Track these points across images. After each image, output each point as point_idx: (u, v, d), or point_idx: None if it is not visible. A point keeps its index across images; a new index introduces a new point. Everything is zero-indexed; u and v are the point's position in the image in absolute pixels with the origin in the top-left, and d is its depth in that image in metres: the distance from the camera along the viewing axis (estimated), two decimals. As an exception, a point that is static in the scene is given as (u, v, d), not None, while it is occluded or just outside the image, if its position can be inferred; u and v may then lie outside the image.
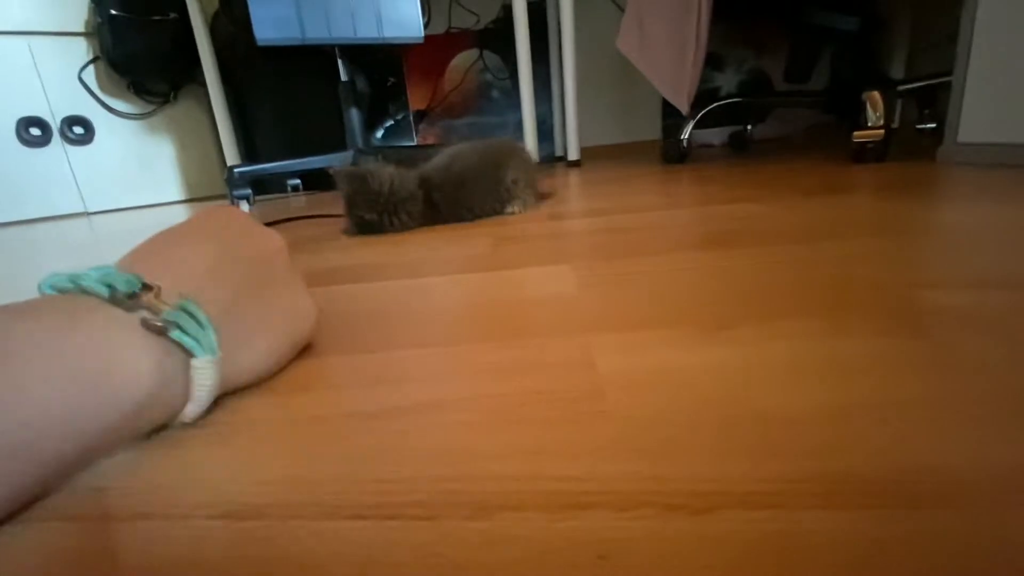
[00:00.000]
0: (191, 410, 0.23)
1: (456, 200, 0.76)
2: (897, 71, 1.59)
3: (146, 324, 0.21)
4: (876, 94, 0.92)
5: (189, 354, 0.22)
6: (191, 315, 0.22)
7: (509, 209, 0.79)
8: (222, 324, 0.24)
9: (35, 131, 1.76)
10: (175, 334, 0.21)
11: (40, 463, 0.18)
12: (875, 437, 0.18)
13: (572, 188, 1.07)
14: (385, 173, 0.72)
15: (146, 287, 0.22)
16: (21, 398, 0.17)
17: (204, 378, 0.22)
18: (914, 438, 0.18)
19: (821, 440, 0.18)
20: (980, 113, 0.81)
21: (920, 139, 1.25)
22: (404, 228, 0.74)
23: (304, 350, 0.31)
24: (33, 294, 0.21)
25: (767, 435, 0.19)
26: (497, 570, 0.14)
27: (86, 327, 0.19)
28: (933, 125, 1.29)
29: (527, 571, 0.14)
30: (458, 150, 0.80)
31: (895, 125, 1.58)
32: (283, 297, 0.29)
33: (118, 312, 0.20)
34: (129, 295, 0.21)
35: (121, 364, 0.20)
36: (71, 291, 0.21)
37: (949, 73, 0.86)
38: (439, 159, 0.79)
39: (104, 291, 0.20)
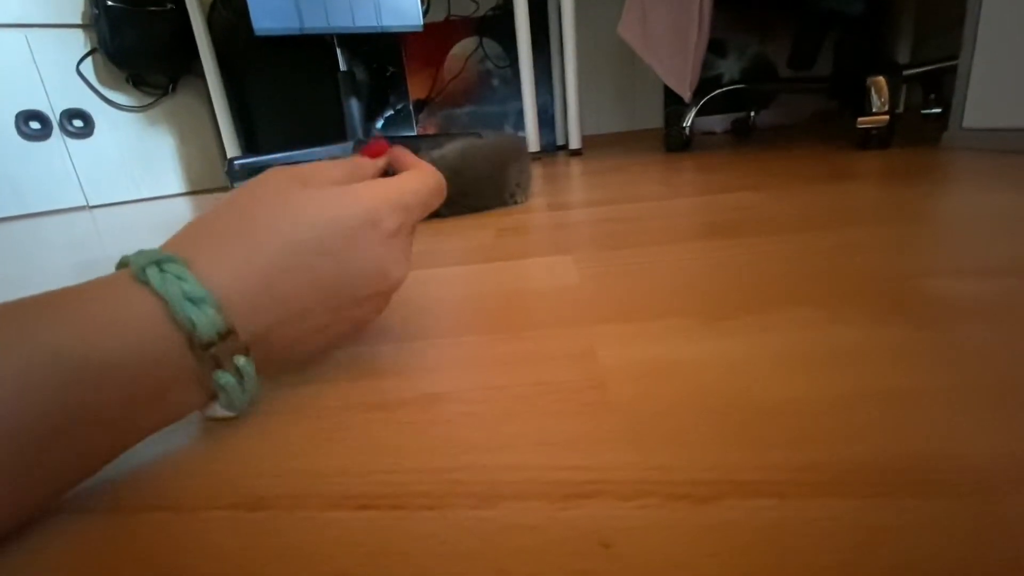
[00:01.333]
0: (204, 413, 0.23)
1: (460, 203, 0.76)
2: (903, 56, 1.57)
3: (201, 383, 0.21)
4: (881, 80, 0.91)
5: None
6: (242, 383, 0.21)
7: (511, 201, 0.79)
8: (277, 356, 0.24)
9: (35, 125, 1.75)
10: (220, 396, 0.21)
11: (60, 480, 0.18)
12: (879, 426, 0.18)
13: (573, 177, 1.07)
14: None
15: (226, 334, 0.20)
16: (64, 434, 0.17)
17: (216, 417, 0.23)
18: (918, 427, 0.18)
19: (824, 429, 0.18)
20: (986, 98, 0.81)
21: (925, 125, 1.23)
22: None
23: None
24: (36, 288, 0.20)
25: (769, 424, 0.19)
26: (502, 558, 0.14)
27: (152, 368, 0.19)
28: (938, 110, 1.28)
29: (532, 559, 0.14)
30: (463, 151, 0.78)
31: (900, 111, 1.57)
32: (352, 328, 0.27)
33: (185, 352, 0.20)
34: (204, 344, 0.20)
35: (164, 404, 0.20)
36: (158, 300, 0.19)
37: (955, 58, 0.85)
38: (445, 159, 0.77)
39: (187, 325, 0.19)
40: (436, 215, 0.75)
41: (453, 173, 0.75)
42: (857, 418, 0.19)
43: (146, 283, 0.19)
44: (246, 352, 0.21)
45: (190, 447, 0.22)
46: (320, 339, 0.26)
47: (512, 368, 0.26)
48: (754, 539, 0.14)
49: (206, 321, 0.19)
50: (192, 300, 0.19)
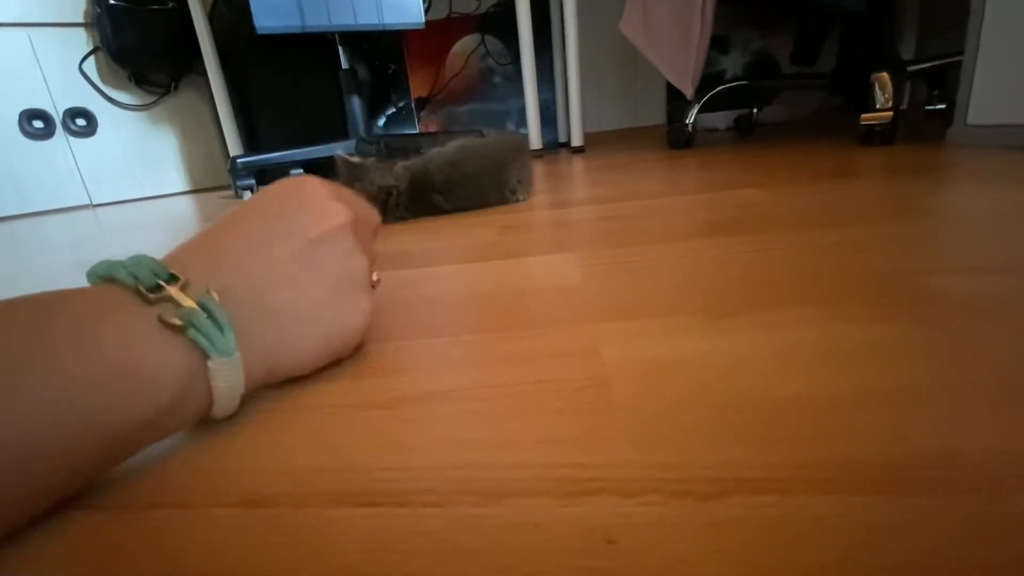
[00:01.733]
0: (217, 410, 0.22)
1: (461, 196, 0.76)
2: (907, 52, 1.56)
3: (162, 321, 0.20)
4: (884, 75, 0.91)
5: (205, 355, 0.21)
6: (209, 312, 0.21)
7: (513, 198, 0.80)
8: (254, 317, 0.23)
9: (38, 124, 1.76)
10: (190, 332, 0.20)
11: (68, 463, 0.18)
12: (880, 423, 0.18)
13: (576, 175, 1.06)
14: (379, 168, 0.72)
15: (173, 278, 0.21)
16: (54, 399, 0.17)
17: (221, 380, 0.21)
18: (920, 424, 0.18)
19: (826, 426, 0.18)
20: (990, 94, 0.80)
21: (930, 121, 1.23)
22: (397, 220, 0.75)
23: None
24: (37, 287, 0.21)
25: (772, 421, 0.19)
26: (506, 555, 0.14)
27: (113, 324, 0.19)
28: (943, 106, 1.27)
29: (535, 556, 0.14)
30: (464, 146, 0.78)
31: (904, 107, 1.56)
32: (329, 280, 0.26)
33: (144, 309, 0.20)
34: (152, 288, 0.21)
35: (145, 369, 0.19)
36: (107, 279, 0.21)
37: (959, 54, 0.84)
38: (443, 153, 0.77)
39: (131, 282, 0.20)
40: (438, 210, 0.75)
41: (450, 164, 0.75)
42: (858, 416, 0.19)
43: (95, 279, 0.21)
44: (206, 292, 0.22)
45: (195, 445, 0.22)
46: (305, 304, 0.25)
47: (515, 366, 0.26)
48: (756, 536, 0.14)
49: (143, 269, 0.21)
50: (127, 265, 0.21)
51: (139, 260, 0.21)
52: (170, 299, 0.21)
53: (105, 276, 0.21)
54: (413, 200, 0.74)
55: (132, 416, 0.19)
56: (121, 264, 0.21)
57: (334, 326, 0.27)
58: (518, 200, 0.80)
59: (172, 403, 0.20)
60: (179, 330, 0.20)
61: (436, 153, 0.76)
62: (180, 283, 0.21)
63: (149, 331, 0.20)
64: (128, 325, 0.20)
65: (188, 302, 0.21)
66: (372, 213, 0.32)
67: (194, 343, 0.21)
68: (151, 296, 0.20)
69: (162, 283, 0.21)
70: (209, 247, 0.25)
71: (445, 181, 0.75)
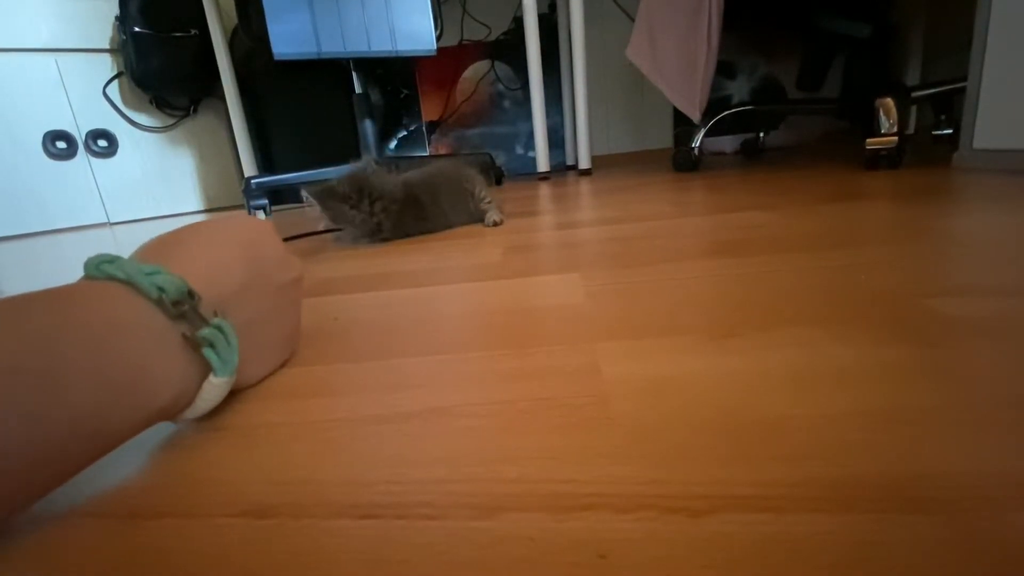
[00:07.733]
0: (187, 415, 0.24)
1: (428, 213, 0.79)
2: (912, 77, 1.58)
3: (185, 338, 0.22)
4: (889, 101, 0.91)
5: (211, 370, 0.23)
6: (224, 336, 0.23)
7: (488, 219, 0.81)
8: (240, 339, 0.25)
9: (61, 144, 1.81)
10: (207, 351, 0.22)
11: (63, 461, 0.18)
12: (876, 443, 0.18)
13: (583, 197, 1.08)
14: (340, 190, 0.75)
15: (190, 295, 0.23)
16: (59, 402, 0.17)
17: (213, 395, 0.24)
18: (915, 445, 0.18)
19: (822, 446, 0.18)
20: (995, 119, 0.81)
21: (936, 145, 1.23)
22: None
23: (317, 357, 0.32)
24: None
25: (769, 440, 0.19)
26: (501, 568, 0.15)
27: (128, 333, 0.20)
28: (949, 131, 1.27)
29: (530, 569, 0.14)
30: (412, 176, 0.82)
31: (910, 131, 1.56)
32: (286, 325, 0.31)
33: (160, 318, 0.21)
34: (175, 302, 0.22)
35: (153, 375, 0.21)
36: (120, 280, 0.21)
37: (964, 79, 0.85)
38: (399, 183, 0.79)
39: (154, 293, 0.21)
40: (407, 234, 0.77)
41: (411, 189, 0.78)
42: (854, 435, 0.19)
43: (104, 275, 0.21)
44: (214, 314, 0.24)
45: (201, 457, 0.22)
46: (273, 325, 0.29)
47: (516, 383, 0.26)
48: (748, 553, 0.14)
49: (170, 283, 0.22)
50: (149, 274, 0.22)
51: (158, 272, 0.22)
52: (189, 317, 0.22)
53: (112, 276, 0.21)
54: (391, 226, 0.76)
55: (131, 421, 0.20)
56: (138, 270, 0.22)
57: (276, 358, 0.31)
58: (499, 220, 0.80)
59: (161, 408, 0.21)
60: (196, 347, 0.22)
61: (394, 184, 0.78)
62: (196, 300, 0.23)
63: (165, 345, 0.21)
64: (147, 338, 0.21)
65: (206, 323, 0.23)
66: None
67: (206, 359, 0.22)
68: (172, 309, 0.22)
69: (182, 299, 0.22)
70: (211, 269, 0.25)
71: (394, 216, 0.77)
